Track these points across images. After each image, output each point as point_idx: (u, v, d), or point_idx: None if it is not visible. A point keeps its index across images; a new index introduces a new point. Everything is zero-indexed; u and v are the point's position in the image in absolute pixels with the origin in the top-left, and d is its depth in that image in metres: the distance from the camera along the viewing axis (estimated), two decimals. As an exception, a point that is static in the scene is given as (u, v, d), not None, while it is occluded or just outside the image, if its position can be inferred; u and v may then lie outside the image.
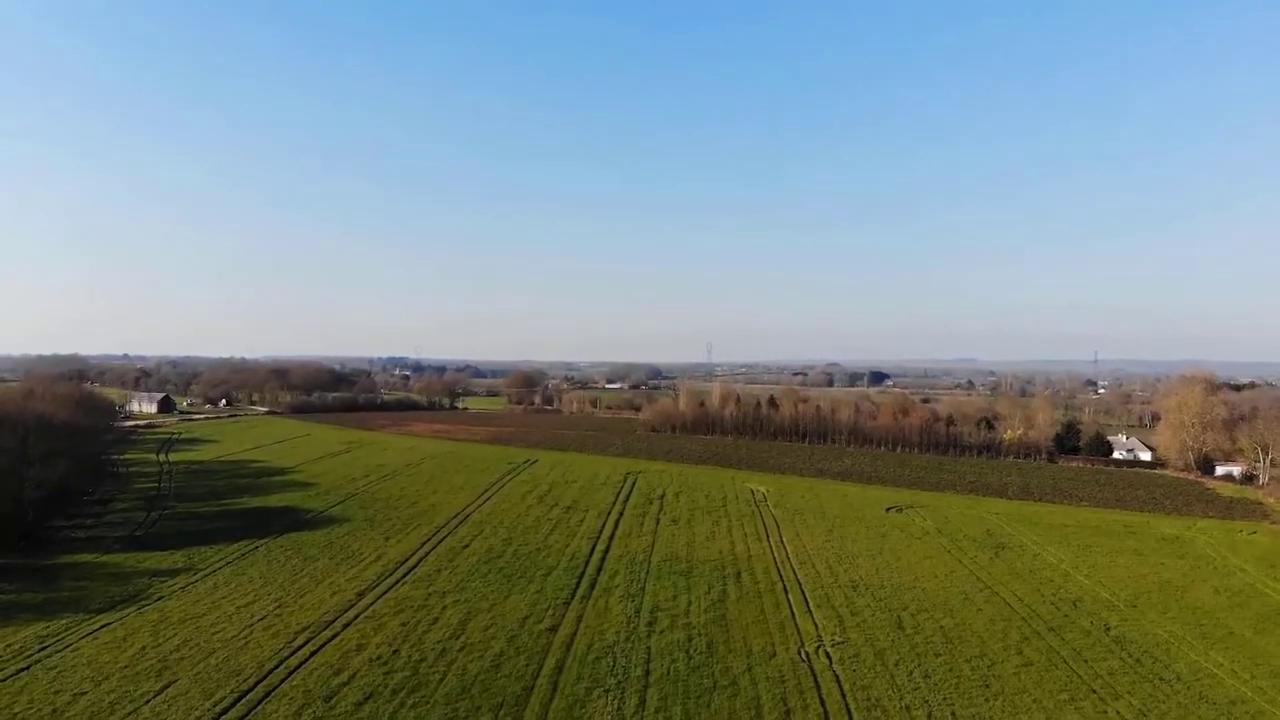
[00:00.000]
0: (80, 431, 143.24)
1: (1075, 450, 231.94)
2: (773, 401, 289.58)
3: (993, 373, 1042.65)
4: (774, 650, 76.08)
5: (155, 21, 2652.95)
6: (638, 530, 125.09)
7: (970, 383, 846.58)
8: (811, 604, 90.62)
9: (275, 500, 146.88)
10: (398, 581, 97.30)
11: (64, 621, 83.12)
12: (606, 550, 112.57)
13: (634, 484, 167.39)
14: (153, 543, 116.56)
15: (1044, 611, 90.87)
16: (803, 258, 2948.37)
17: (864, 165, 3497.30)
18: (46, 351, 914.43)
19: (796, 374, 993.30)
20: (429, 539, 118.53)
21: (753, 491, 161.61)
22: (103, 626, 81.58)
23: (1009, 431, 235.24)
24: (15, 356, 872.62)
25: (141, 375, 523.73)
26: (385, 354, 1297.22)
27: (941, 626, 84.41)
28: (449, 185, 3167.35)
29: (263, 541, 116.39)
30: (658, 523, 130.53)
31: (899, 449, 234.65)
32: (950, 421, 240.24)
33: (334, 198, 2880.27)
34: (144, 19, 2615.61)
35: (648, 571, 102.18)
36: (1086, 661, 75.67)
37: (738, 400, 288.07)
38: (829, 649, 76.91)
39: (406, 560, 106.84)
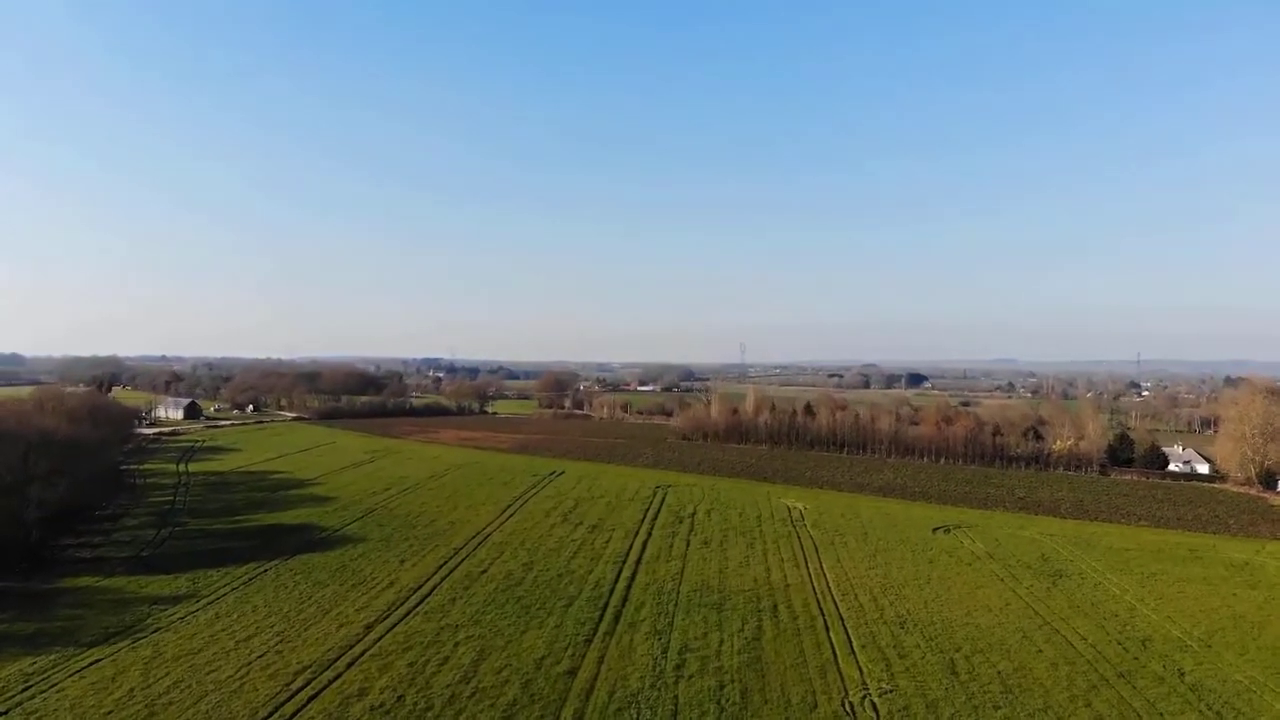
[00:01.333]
0: (87, 446, 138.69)
1: (1129, 462, 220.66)
2: (809, 409, 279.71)
3: (1033, 374, 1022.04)
4: (815, 701, 68.46)
5: (189, 35, 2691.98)
6: (666, 554, 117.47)
7: (1011, 385, 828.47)
8: (855, 644, 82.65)
9: (290, 517, 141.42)
10: (409, 612, 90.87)
11: (53, 657, 77.95)
12: (633, 577, 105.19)
13: (663, 499, 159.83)
14: (159, 564, 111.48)
15: (1111, 653, 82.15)
16: (838, 256, 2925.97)
17: (901, 164, 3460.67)
18: (86, 353, 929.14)
19: (832, 375, 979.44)
20: (446, 562, 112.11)
21: (789, 509, 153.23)
22: (93, 663, 76.19)
23: (1058, 442, 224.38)
24: (56, 358, 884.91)
25: (172, 379, 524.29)
26: (421, 355, 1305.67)
27: (999, 672, 76.10)
28: (489, 190, 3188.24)
29: (272, 564, 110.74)
30: (688, 545, 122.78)
31: (942, 460, 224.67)
32: (996, 431, 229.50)
33: (375, 202, 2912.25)
34: (178, 35, 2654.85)
35: (676, 603, 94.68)
36: (1162, 716, 67.21)
37: (772, 408, 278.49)
38: (875, 699, 69.11)
39: (420, 587, 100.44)
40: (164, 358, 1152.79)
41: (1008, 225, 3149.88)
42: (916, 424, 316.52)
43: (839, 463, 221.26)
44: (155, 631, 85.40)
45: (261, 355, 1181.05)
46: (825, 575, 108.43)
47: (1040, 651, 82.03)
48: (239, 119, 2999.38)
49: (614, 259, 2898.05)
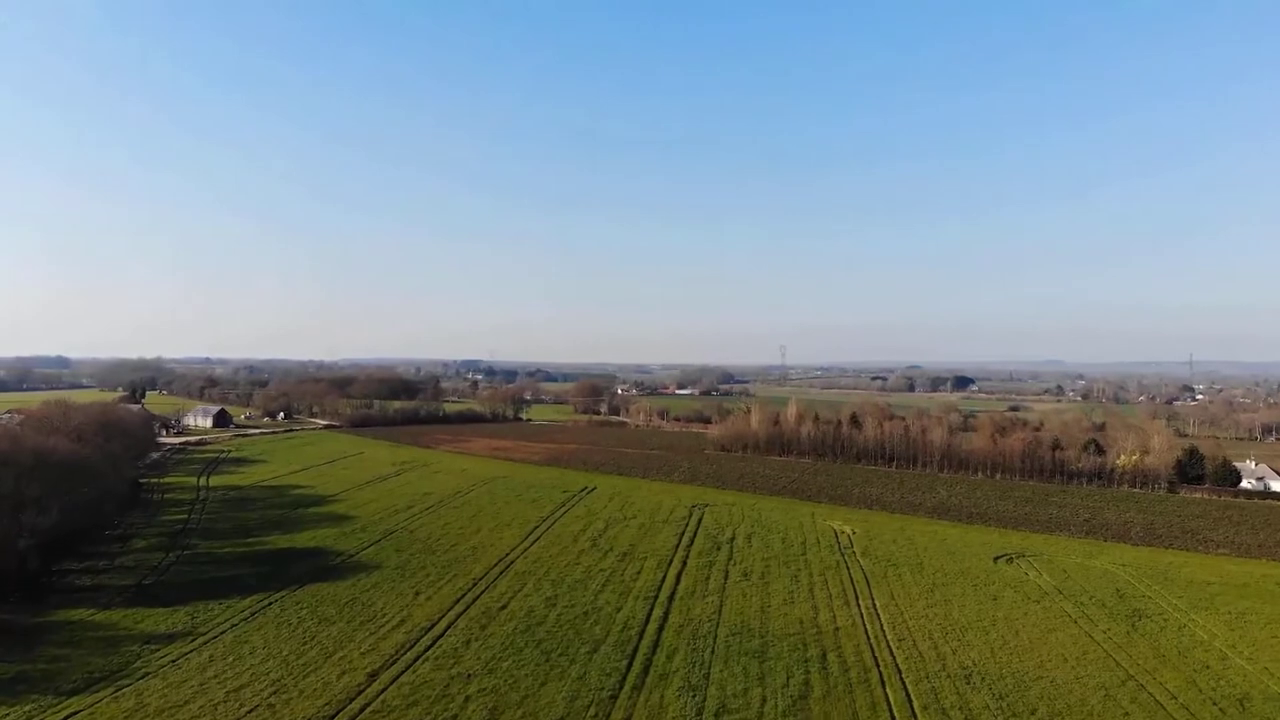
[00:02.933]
0: (93, 465, 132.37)
1: (1198, 479, 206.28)
2: (855, 420, 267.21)
3: (1081, 376, 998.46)
4: (874, 782, 58.59)
5: (232, 37, 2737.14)
6: (702, 588, 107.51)
7: (1059, 388, 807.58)
8: (916, 704, 72.38)
9: (305, 539, 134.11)
10: (419, 657, 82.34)
11: (28, 707, 71.05)
12: (665, 617, 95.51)
13: (700, 521, 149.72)
14: (160, 594, 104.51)
15: (1206, 715, 71.10)
16: (878, 256, 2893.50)
17: (943, 161, 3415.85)
18: (132, 354, 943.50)
19: (875, 378, 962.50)
20: (463, 595, 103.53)
21: (836, 533, 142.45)
22: (69, 717, 68.65)
23: (1122, 456, 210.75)
24: (103, 360, 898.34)
25: (207, 384, 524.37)
26: (461, 357, 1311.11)
27: (1085, 743, 65.63)
28: (531, 191, 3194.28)
29: (279, 595, 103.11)
30: (726, 577, 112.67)
31: (998, 475, 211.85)
32: (1056, 445, 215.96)
33: (420, 205, 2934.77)
34: (221, 37, 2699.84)
35: (713, 650, 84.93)
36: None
37: (816, 418, 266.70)
38: (945, 780, 59.05)
39: (433, 625, 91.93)
40: (208, 360, 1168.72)
41: (1051, 224, 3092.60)
42: (969, 429, 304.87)
43: (888, 479, 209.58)
44: (143, 678, 77.95)
45: (305, 358, 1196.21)
46: (879, 615, 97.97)
47: (1126, 715, 71.25)
48: (281, 121, 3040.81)
49: (654, 259, 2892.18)
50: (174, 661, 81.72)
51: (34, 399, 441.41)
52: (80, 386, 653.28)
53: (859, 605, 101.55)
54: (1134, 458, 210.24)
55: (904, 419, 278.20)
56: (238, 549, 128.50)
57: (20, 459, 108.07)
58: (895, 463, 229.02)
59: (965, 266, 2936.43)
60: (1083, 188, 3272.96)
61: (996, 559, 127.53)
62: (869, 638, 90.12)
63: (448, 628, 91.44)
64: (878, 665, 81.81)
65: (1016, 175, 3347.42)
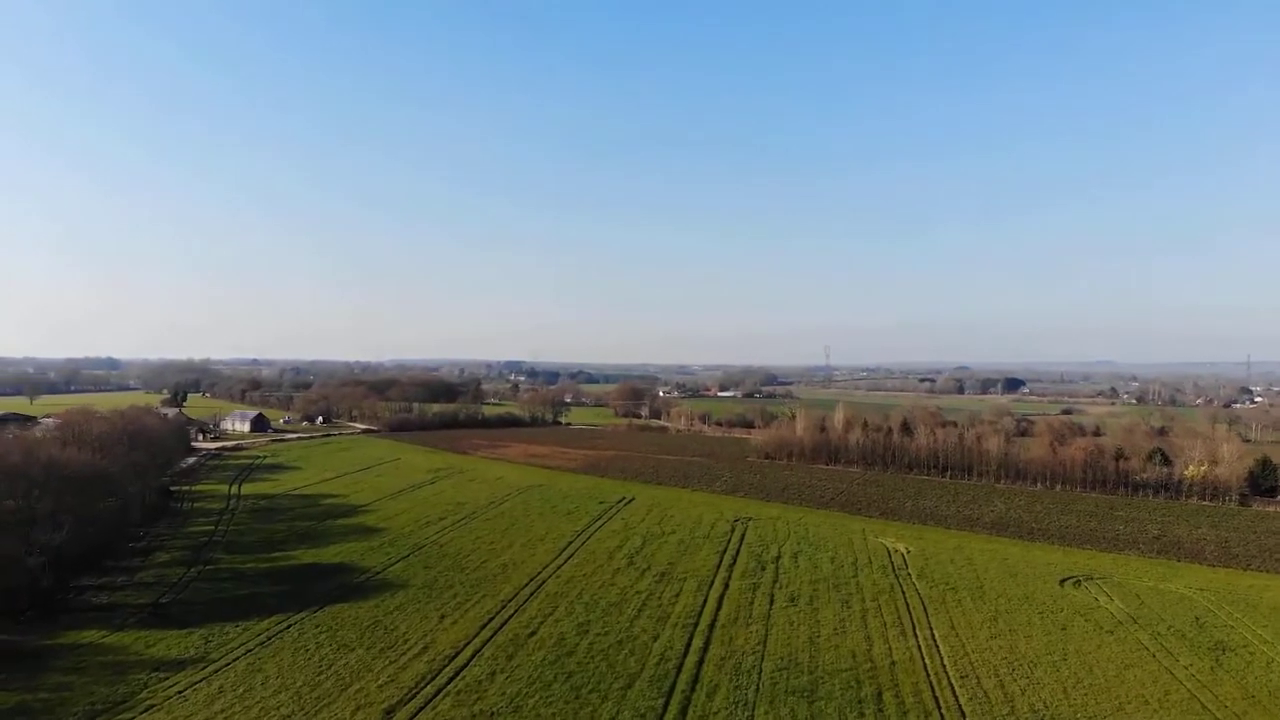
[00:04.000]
0: (114, 477, 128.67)
1: (1271, 491, 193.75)
2: (906, 427, 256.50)
3: (1134, 378, 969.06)
4: None
5: (265, 41, 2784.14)
6: (746, 614, 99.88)
7: (1113, 390, 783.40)
8: (986, 755, 64.63)
9: (331, 554, 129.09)
10: (440, 691, 76.30)
11: (24, 742, 65.81)
12: (705, 648, 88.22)
13: (743, 537, 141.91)
14: (175, 615, 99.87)
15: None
16: (925, 256, 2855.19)
17: (989, 160, 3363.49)
18: (181, 355, 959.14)
19: (923, 379, 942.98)
20: (491, 618, 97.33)
21: (889, 551, 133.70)
22: (64, 756, 63.73)
23: (1190, 467, 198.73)
24: (152, 361, 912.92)
25: (249, 387, 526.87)
26: (505, 358, 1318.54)
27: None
28: (571, 194, 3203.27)
29: (299, 617, 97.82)
30: (771, 602, 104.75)
31: (1058, 486, 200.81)
32: (1120, 455, 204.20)
33: (468, 209, 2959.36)
34: (255, 40, 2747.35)
35: (757, 688, 77.60)
36: None
37: (865, 425, 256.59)
38: None
39: (458, 654, 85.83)
40: (255, 362, 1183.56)
41: (1101, 221, 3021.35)
42: (1024, 435, 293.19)
43: (942, 490, 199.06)
44: (147, 710, 73.04)
45: (350, 359, 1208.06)
46: (939, 648, 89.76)
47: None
48: (322, 128, 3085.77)
49: (694, 260, 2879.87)
50: (181, 692, 76.70)
51: (79, 401, 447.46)
52: (127, 388, 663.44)
53: (917, 636, 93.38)
54: (1202, 468, 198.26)
55: (957, 425, 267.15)
56: (261, 564, 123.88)
57: (32, 473, 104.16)
58: (949, 473, 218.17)
59: (1012, 265, 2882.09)
60: (1134, 185, 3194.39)
61: (1063, 581, 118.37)
62: (929, 674, 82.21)
63: (473, 656, 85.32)
64: (939, 707, 74.05)
65: (1066, 172, 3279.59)
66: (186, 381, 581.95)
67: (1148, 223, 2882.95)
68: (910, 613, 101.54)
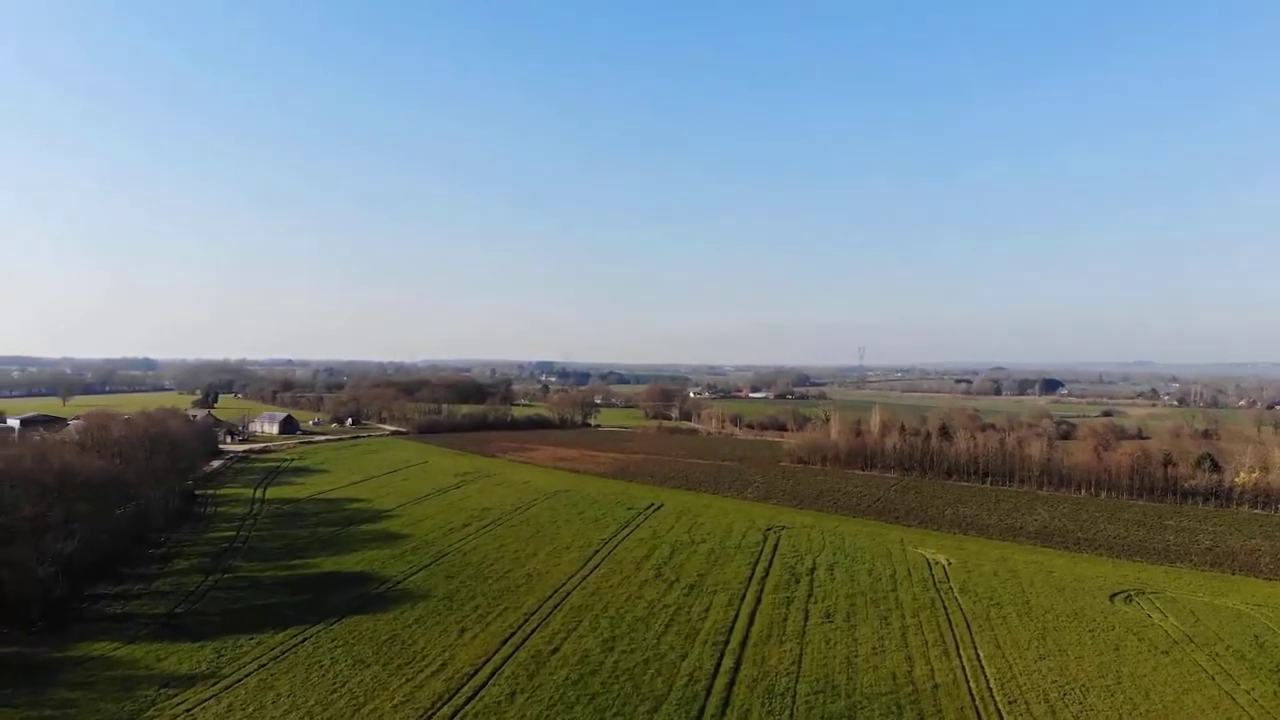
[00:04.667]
0: (124, 485, 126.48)
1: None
2: (945, 431, 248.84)
3: (1175, 378, 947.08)
4: None
5: (287, 50, 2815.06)
6: (779, 631, 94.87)
7: (1154, 391, 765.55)
8: (1042, 796, 59.49)
9: (353, 562, 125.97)
10: (457, 712, 72.65)
11: (24, 764, 62.90)
12: (736, 667, 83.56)
13: (775, 547, 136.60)
14: (189, 626, 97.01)
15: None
16: (961, 254, 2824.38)
17: (1028, 159, 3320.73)
18: (218, 356, 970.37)
19: (959, 380, 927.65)
20: (513, 633, 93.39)
21: (929, 562, 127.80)
22: (64, 779, 60.64)
23: (1241, 474, 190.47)
24: (189, 362, 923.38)
25: (280, 388, 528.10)
26: (537, 358, 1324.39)
27: None
28: (606, 199, 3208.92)
29: (315, 630, 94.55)
30: (806, 617, 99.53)
31: (1103, 493, 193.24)
32: (1168, 461, 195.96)
33: (505, 218, 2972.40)
34: (277, 49, 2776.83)
35: (791, 712, 72.85)
36: None
37: (902, 428, 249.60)
38: None
39: (477, 671, 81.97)
40: (290, 362, 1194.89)
41: (1139, 223, 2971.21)
42: (1067, 438, 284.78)
43: (982, 497, 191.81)
44: (152, 730, 69.85)
45: (384, 359, 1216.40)
46: (984, 669, 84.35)
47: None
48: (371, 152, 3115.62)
49: (728, 260, 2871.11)
50: (189, 711, 73.53)
51: (112, 402, 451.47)
52: (162, 389, 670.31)
53: (960, 656, 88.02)
54: (1253, 474, 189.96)
55: (998, 429, 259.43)
56: (280, 572, 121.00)
57: (43, 479, 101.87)
58: (990, 479, 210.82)
59: (1048, 264, 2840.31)
60: (1172, 186, 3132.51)
61: (1113, 596, 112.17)
62: (974, 698, 77.01)
63: (493, 674, 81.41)
64: (989, 739, 69.02)
65: (1101, 175, 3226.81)
66: (220, 382, 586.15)
67: (1185, 226, 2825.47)
68: (953, 630, 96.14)
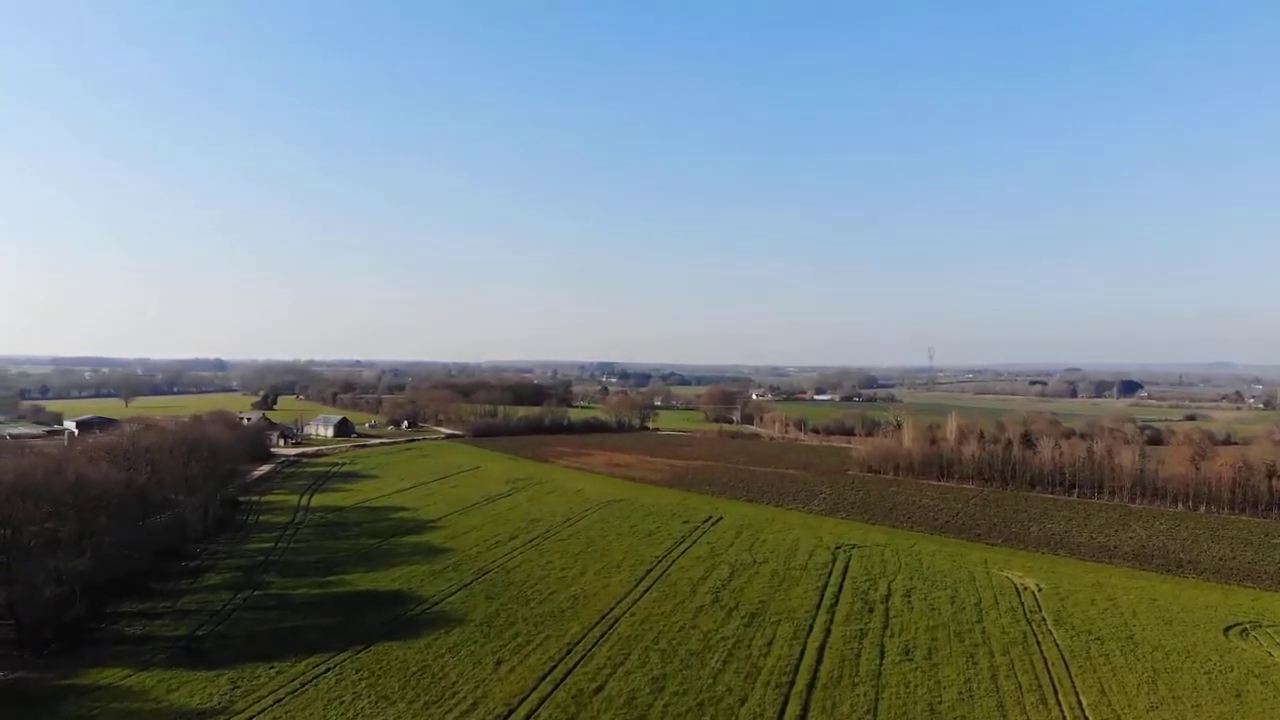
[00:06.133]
0: (148, 496, 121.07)
1: None
2: (1027, 438, 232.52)
3: (1258, 380, 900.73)
4: None
5: (321, 51, 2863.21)
6: (851, 670, 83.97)
7: (1238, 394, 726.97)
8: None
9: (389, 579, 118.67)
10: (485, 765, 63.97)
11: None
12: (803, 716, 73.23)
13: (846, 569, 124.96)
14: (209, 651, 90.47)
15: None
16: (1031, 250, 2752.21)
17: (1098, 144, 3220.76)
18: (287, 357, 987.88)
19: (1034, 382, 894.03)
20: (553, 667, 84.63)
21: (1017, 588, 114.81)
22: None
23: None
24: (259, 362, 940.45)
25: (341, 390, 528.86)
26: (598, 359, 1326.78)
27: None
28: (661, 202, 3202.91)
29: (340, 658, 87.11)
30: (882, 654, 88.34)
31: (1200, 507, 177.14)
32: (1272, 473, 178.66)
33: (568, 220, 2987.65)
34: (311, 49, 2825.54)
35: (871, 778, 62.88)
36: None
37: (981, 436, 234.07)
38: None
39: (511, 713, 73.44)
40: (357, 363, 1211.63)
41: (1218, 224, 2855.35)
42: (1158, 444, 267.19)
43: (1070, 512, 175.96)
44: (151, 776, 62.76)
45: (450, 360, 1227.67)
46: (1091, 722, 73.10)
47: None
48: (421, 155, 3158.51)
49: (792, 257, 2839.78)
50: (194, 753, 66.44)
51: (177, 403, 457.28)
52: (229, 389, 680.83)
53: (1060, 704, 76.34)
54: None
55: (1085, 437, 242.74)
56: (313, 590, 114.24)
57: (55, 493, 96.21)
58: (1076, 491, 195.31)
59: (1124, 262, 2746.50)
60: (1237, 177, 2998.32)
61: (1227, 630, 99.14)
62: (1083, 761, 66.00)
63: (527, 717, 72.82)
64: (1107, 819, 57.97)
65: (1173, 173, 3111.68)
66: (284, 384, 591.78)
67: (1256, 217, 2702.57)
68: (1049, 671, 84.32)
